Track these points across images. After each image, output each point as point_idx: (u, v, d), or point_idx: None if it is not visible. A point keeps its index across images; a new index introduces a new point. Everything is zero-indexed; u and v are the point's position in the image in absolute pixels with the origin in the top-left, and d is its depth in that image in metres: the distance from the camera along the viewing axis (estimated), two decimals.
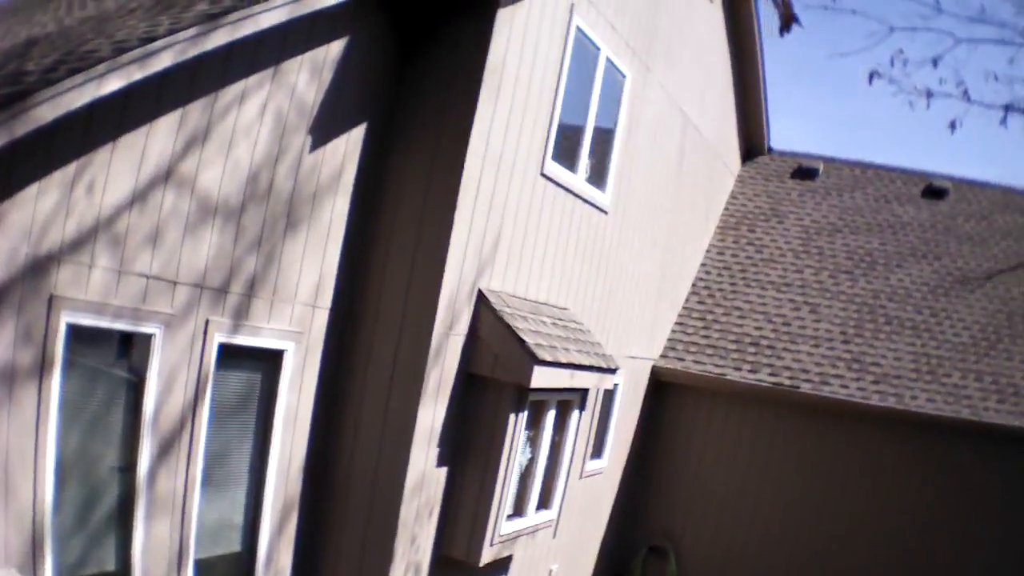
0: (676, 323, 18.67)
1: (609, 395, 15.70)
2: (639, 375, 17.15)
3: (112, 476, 8.42)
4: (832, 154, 22.93)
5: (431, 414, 10.52)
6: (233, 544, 9.93)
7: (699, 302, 19.09)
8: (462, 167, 10.26)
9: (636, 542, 18.18)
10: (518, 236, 11.57)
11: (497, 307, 10.91)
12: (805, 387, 17.24)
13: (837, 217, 21.00)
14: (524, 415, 11.27)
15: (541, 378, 10.87)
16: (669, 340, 18.38)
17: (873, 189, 21.86)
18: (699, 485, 18.03)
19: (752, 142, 22.23)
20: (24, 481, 7.50)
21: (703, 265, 19.84)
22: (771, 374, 17.51)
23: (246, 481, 9.91)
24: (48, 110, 6.84)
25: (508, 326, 10.79)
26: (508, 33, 10.61)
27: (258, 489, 9.99)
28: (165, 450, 8.73)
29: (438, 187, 10.36)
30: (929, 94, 10.86)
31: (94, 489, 8.31)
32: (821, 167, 22.40)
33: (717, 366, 17.77)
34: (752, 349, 18.05)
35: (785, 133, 70.37)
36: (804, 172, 22.25)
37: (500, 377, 10.89)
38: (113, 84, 7.31)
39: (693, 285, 19.44)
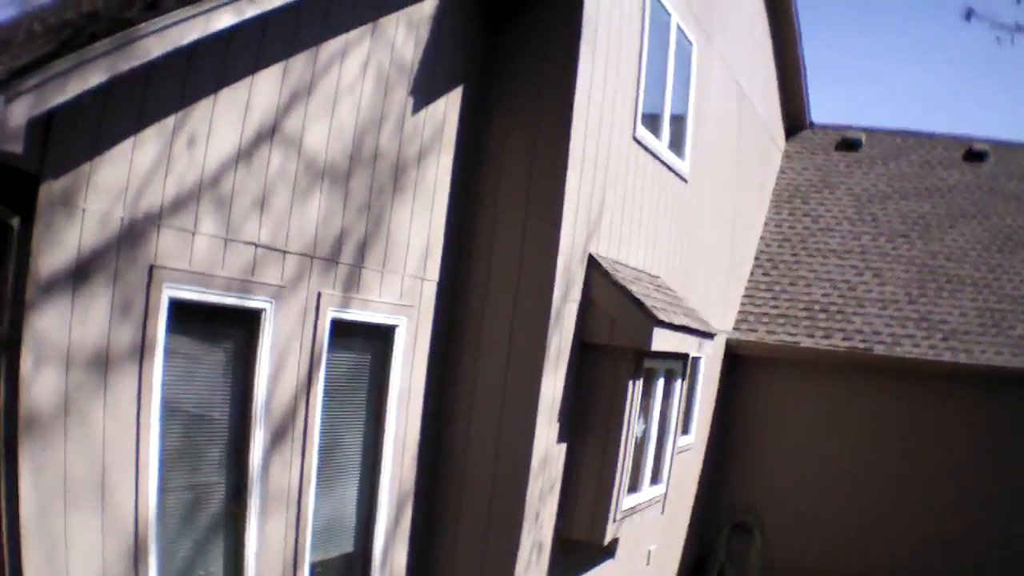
0: (744, 295, 17.44)
1: (694, 370, 14.39)
2: (716, 349, 15.84)
3: (222, 470, 7.11)
4: (869, 124, 21.80)
5: (552, 385, 9.25)
6: (346, 544, 8.64)
7: (764, 274, 17.86)
8: (570, 122, 9.02)
9: (720, 520, 16.91)
10: (617, 201, 10.31)
11: (609, 270, 9.64)
12: (879, 349, 16.11)
13: (886, 184, 19.86)
14: (640, 383, 10.01)
15: (659, 341, 9.62)
16: (740, 312, 17.16)
17: (916, 156, 20.73)
18: (779, 458, 16.82)
19: (794, 117, 20.97)
20: (124, 481, 6.19)
21: (763, 238, 18.64)
22: (844, 339, 16.36)
23: (360, 471, 8.62)
24: (155, 43, 5.63)
25: (625, 290, 9.53)
26: None
27: (373, 478, 8.71)
28: (279, 438, 7.43)
29: (546, 145, 9.11)
30: (1018, 28, 10.11)
31: (202, 487, 6.99)
32: (863, 138, 21.22)
33: (790, 335, 16.57)
34: (822, 316, 16.88)
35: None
36: (847, 144, 21.07)
37: (618, 343, 9.61)
38: (223, 20, 6.10)
39: (756, 258, 18.24)
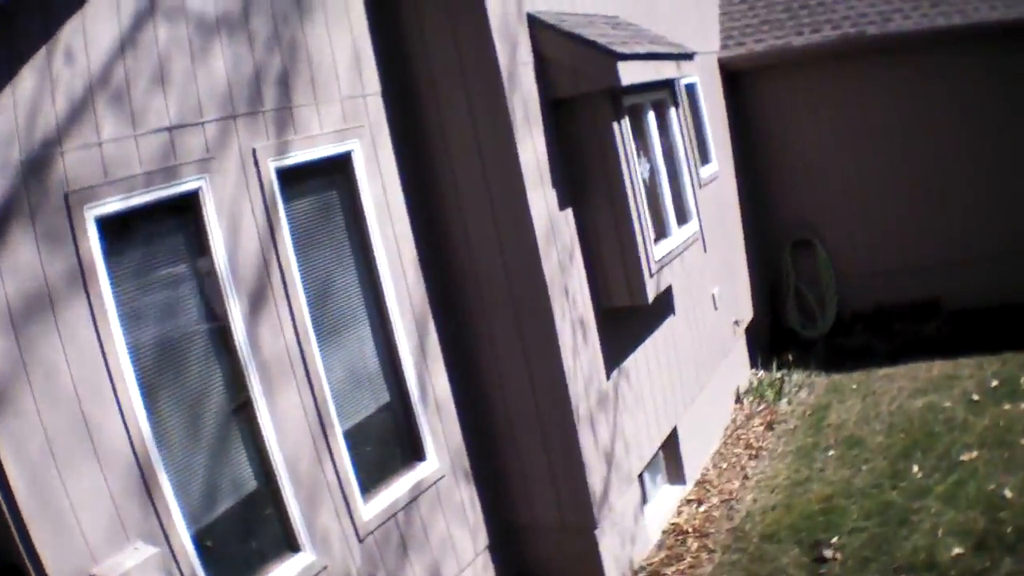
0: (721, 14, 16.48)
1: (692, 97, 13.62)
2: (710, 72, 15.03)
3: (210, 361, 6.60)
4: None
5: (531, 149, 8.57)
6: (377, 395, 8.11)
7: None
8: None
9: (778, 242, 16.27)
10: None
11: (554, 22, 8.85)
12: (871, 30, 15.08)
13: None
14: (626, 122, 9.25)
15: (629, 74, 8.82)
16: (722, 30, 16.19)
17: None
18: (810, 165, 16.04)
19: None
20: (108, 415, 5.76)
21: None
22: (834, 28, 15.36)
23: (364, 309, 8.05)
24: None
25: (575, 35, 8.74)
26: None
27: (380, 312, 8.14)
28: (258, 305, 6.90)
29: None
30: None
31: (196, 386, 6.49)
32: None
33: (778, 38, 15.63)
34: (804, 12, 15.86)
35: None
36: None
37: (587, 90, 8.84)
38: None
39: None
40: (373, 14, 8.37)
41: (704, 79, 14.24)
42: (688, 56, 10.82)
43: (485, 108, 8.40)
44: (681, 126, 11.03)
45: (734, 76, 15.88)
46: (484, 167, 8.51)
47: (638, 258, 9.16)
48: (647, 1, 12.21)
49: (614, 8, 10.95)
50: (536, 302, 8.58)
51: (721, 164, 14.41)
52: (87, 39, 5.95)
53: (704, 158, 13.64)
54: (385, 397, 8.15)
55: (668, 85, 10.71)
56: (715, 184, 13.81)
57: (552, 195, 8.79)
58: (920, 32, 14.77)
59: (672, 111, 10.80)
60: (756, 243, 15.77)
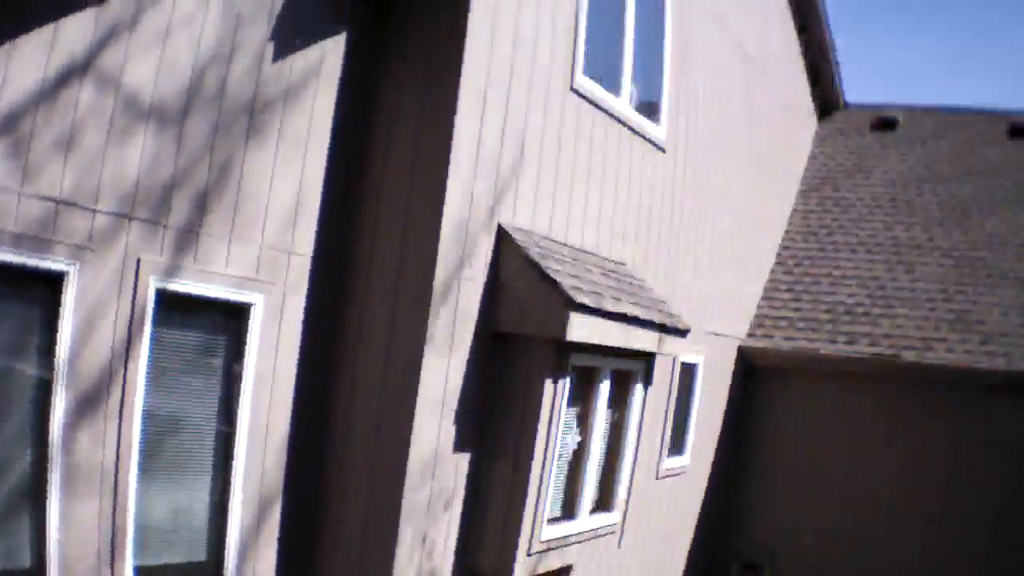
0: (763, 297, 16.93)
1: (689, 378, 13.83)
2: (724, 356, 15.30)
3: (20, 441, 6.72)
4: (909, 102, 21.68)
5: (442, 374, 8.58)
6: (192, 551, 8.05)
7: (786, 272, 17.41)
8: (459, 67, 8.44)
9: (728, 557, 16.27)
10: (547, 163, 9.64)
11: (523, 244, 8.98)
12: (908, 355, 15.49)
13: (923, 167, 19.47)
14: (565, 383, 9.29)
15: (582, 329, 8.87)
16: (756, 316, 16.63)
17: (956, 134, 20.31)
18: (798, 484, 16.24)
19: (825, 97, 20.63)
20: None
21: (787, 232, 18.19)
22: (870, 344, 15.78)
23: (205, 460, 8.05)
24: None
25: (536, 265, 8.83)
26: None
27: (223, 472, 8.13)
28: (85, 407, 6.95)
29: (435, 93, 8.52)
30: None
31: None
32: (901, 117, 20.97)
33: (809, 340, 16.00)
34: (847, 318, 16.36)
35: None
36: (884, 123, 20.84)
37: (530, 331, 8.90)
38: None
39: (778, 254, 17.82)
40: (335, 169, 8.57)
41: (712, 362, 14.45)
42: (679, 332, 10.90)
43: (405, 314, 8.49)
44: (644, 407, 11.10)
45: (751, 368, 16.13)
46: (385, 376, 8.57)
47: (518, 532, 9.10)
48: (670, 256, 12.51)
49: (624, 254, 11.20)
50: (382, 539, 8.52)
51: (696, 460, 14.52)
52: (5, 78, 6.15)
53: (677, 448, 13.76)
54: (199, 556, 8.06)
55: (643, 357, 10.82)
56: (680, 479, 13.90)
57: (451, 431, 8.79)
58: (957, 371, 15.06)
59: (638, 387, 10.87)
60: (704, 550, 15.76)
